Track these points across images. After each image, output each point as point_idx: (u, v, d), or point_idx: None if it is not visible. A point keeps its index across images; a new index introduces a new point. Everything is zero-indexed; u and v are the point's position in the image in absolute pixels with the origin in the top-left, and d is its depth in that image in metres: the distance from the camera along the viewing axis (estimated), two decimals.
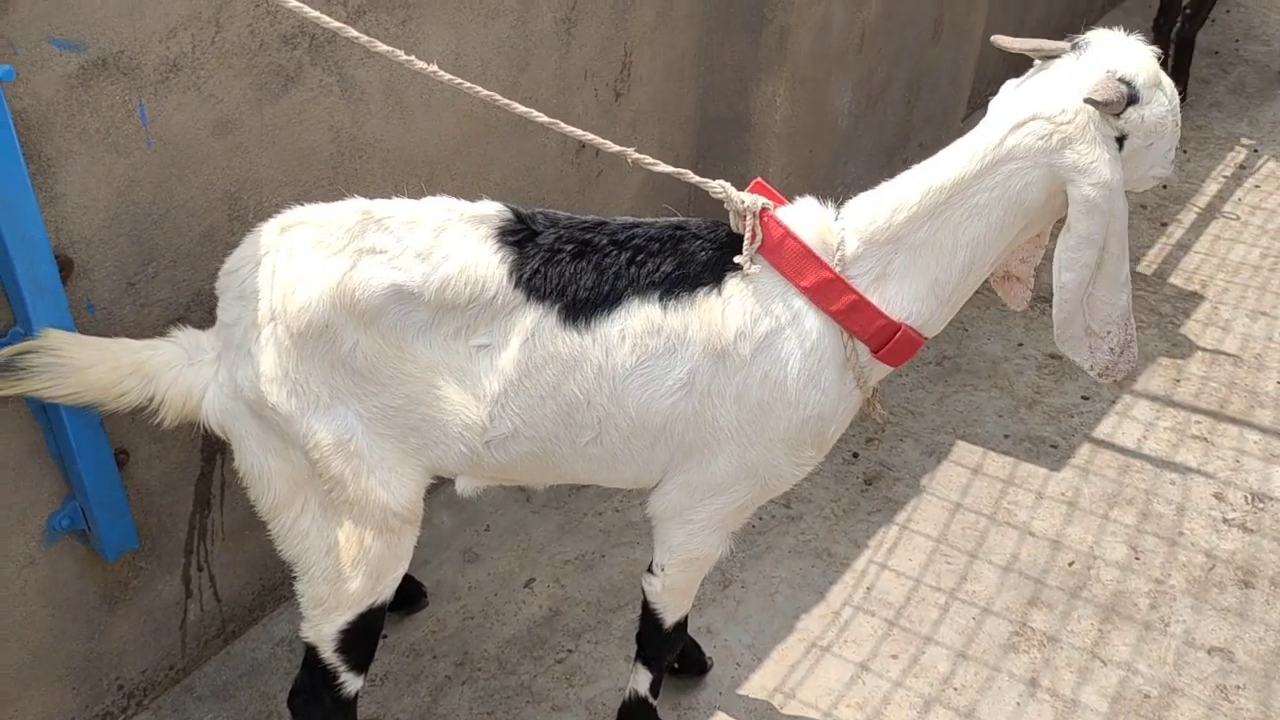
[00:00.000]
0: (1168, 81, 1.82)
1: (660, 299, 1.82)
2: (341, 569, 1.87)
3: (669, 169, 1.87)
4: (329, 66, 2.13)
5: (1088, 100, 1.73)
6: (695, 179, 1.88)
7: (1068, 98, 1.76)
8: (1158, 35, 5.52)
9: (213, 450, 2.21)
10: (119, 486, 1.98)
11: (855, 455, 3.25)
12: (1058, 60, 1.83)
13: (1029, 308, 2.33)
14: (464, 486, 1.98)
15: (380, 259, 1.72)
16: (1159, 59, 1.83)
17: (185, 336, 1.85)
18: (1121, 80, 1.75)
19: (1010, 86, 1.87)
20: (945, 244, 1.84)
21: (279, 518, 1.86)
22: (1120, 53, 1.79)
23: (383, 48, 1.71)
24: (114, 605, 2.16)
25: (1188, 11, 5.46)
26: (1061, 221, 1.84)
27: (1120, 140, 1.78)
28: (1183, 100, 5.58)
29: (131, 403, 1.77)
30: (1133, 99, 1.75)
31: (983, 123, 1.85)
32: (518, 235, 1.79)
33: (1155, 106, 1.78)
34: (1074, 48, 1.83)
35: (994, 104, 1.86)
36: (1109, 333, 1.89)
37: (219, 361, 1.80)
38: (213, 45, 1.92)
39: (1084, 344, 1.90)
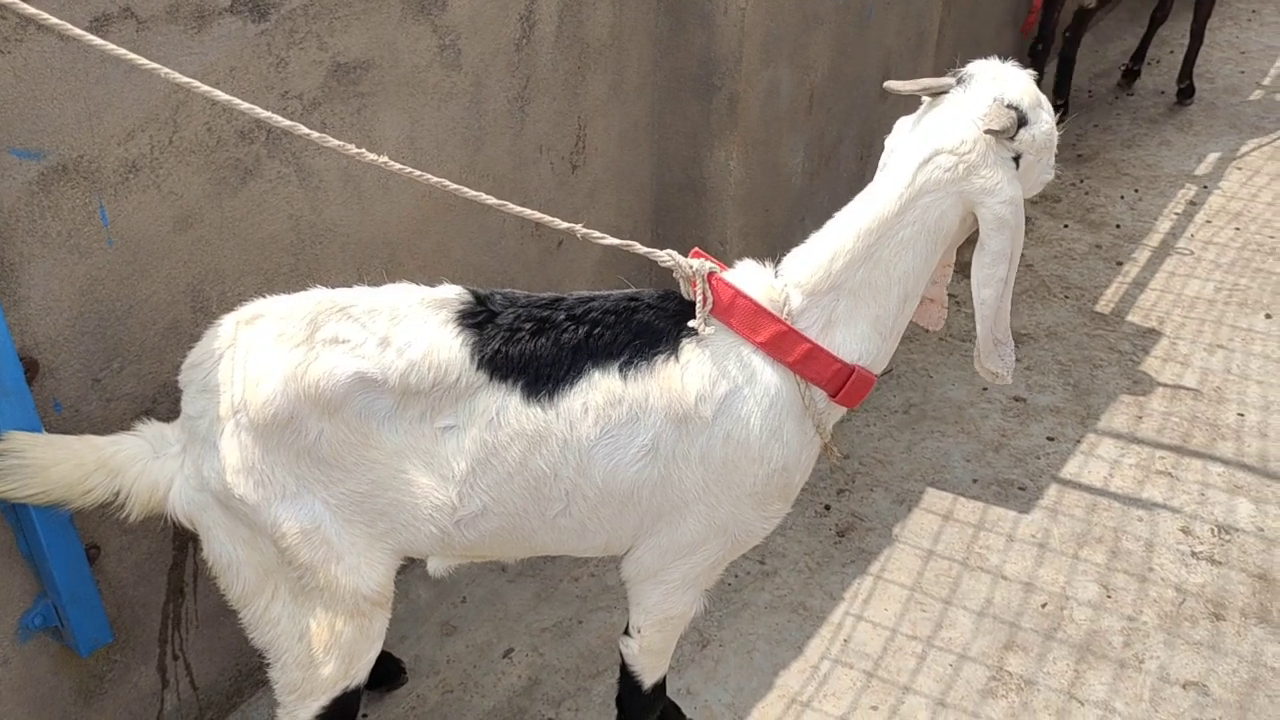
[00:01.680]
0: (1045, 100, 1.95)
1: (620, 370, 1.86)
2: (314, 655, 1.88)
3: (616, 241, 1.93)
4: (286, 158, 2.18)
5: (988, 131, 1.84)
6: (642, 250, 1.93)
7: (965, 129, 1.86)
8: (1034, 61, 5.83)
9: (184, 539, 2.23)
10: (90, 582, 1.99)
11: (827, 508, 3.28)
12: (946, 96, 1.94)
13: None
14: (435, 567, 2.00)
15: (343, 348, 1.75)
16: (1035, 80, 1.95)
17: (149, 430, 1.88)
18: (1010, 106, 1.86)
19: (904, 124, 1.98)
20: (880, 283, 1.91)
21: (249, 606, 1.88)
22: (1003, 81, 1.91)
23: (333, 143, 1.75)
24: (89, 700, 2.16)
25: (1067, 35, 5.90)
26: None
27: (1016, 159, 1.88)
28: (1064, 117, 5.91)
29: (98, 499, 1.79)
30: (1022, 121, 1.87)
31: (886, 162, 1.96)
32: (477, 317, 1.83)
33: (1041, 125, 1.90)
34: (959, 81, 1.94)
35: (890, 141, 1.97)
36: (1008, 336, 1.99)
37: (184, 454, 1.83)
38: (171, 145, 1.97)
39: (995, 354, 1.99)
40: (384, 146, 2.39)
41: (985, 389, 3.85)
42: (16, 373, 1.77)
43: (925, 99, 1.98)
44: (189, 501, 1.83)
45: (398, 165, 1.78)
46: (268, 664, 1.95)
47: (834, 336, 1.93)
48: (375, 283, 1.89)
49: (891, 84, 2.04)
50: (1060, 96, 6.03)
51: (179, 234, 2.04)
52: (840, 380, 1.92)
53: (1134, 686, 2.70)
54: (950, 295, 3.79)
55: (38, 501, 1.79)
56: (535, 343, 1.84)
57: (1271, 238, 4.91)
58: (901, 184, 1.88)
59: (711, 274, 1.92)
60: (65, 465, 1.77)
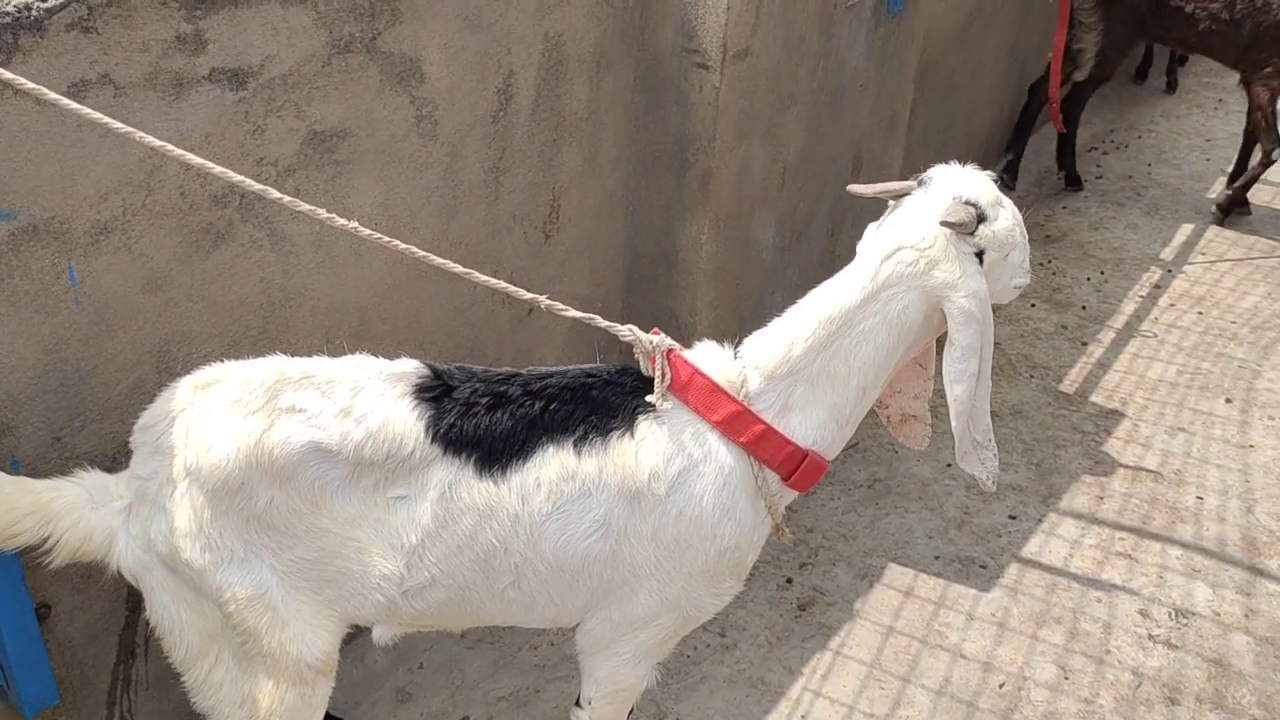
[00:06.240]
0: (1008, 200, 2.02)
1: (574, 445, 1.88)
2: None
3: (578, 315, 1.96)
4: (259, 222, 2.21)
5: (943, 223, 1.91)
6: (603, 324, 1.97)
7: (925, 226, 1.94)
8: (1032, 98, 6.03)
9: (138, 599, 2.20)
10: (39, 642, 1.97)
11: (789, 581, 3.29)
12: (908, 197, 2.01)
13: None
14: (380, 635, 2.00)
15: (299, 418, 1.77)
16: (995, 182, 2.04)
17: (90, 478, 1.86)
18: (968, 203, 1.94)
19: (871, 229, 2.05)
20: (839, 371, 1.96)
21: (193, 670, 1.88)
22: (961, 181, 1.99)
23: (304, 207, 1.79)
24: None
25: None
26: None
27: (979, 255, 1.95)
28: (1077, 185, 6.18)
29: (24, 543, 1.76)
30: (981, 217, 1.94)
31: (855, 261, 2.01)
32: (434, 391, 1.86)
33: (1002, 222, 1.97)
34: (920, 184, 2.01)
35: (860, 246, 2.03)
36: (989, 440, 2.02)
37: (130, 512, 1.83)
38: (144, 207, 2.00)
39: (975, 457, 2.02)
40: (358, 214, 2.42)
41: (949, 465, 3.88)
42: None
43: (890, 203, 2.05)
44: (134, 560, 1.82)
45: (366, 231, 1.82)
46: None
47: (790, 421, 1.97)
48: (342, 348, 1.91)
49: (854, 187, 2.12)
50: (1063, 168, 6.25)
51: (148, 295, 2.06)
52: (793, 464, 1.95)
53: None
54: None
55: None
56: (490, 417, 1.87)
57: (1233, 323, 5.00)
58: (865, 276, 1.94)
59: (670, 350, 1.96)
60: None
